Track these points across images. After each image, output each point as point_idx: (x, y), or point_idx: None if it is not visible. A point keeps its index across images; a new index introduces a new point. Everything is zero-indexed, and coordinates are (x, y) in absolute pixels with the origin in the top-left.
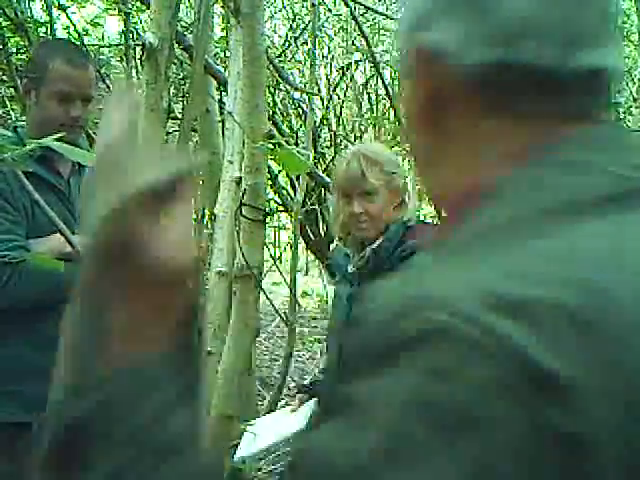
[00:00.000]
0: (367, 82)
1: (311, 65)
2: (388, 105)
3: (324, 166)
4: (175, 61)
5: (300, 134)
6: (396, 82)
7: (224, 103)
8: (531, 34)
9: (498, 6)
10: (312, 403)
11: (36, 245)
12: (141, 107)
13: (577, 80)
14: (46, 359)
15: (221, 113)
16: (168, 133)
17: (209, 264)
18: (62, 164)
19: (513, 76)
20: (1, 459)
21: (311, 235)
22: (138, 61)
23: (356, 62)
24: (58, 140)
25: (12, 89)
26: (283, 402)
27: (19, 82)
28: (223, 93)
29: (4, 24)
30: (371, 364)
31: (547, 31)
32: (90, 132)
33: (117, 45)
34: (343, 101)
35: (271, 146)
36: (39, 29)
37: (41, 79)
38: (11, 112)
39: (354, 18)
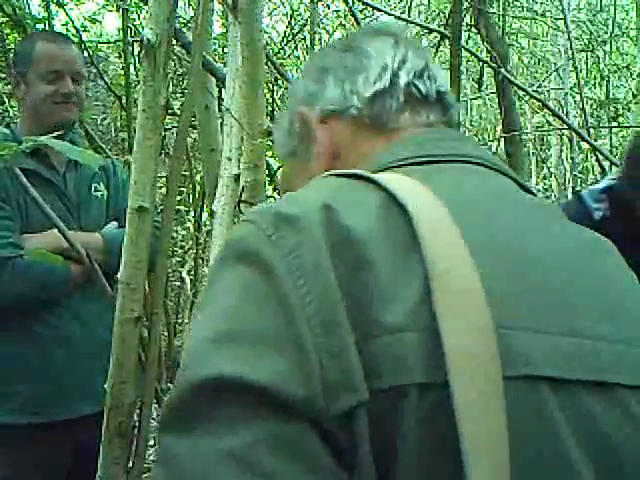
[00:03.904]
0: None
1: None
2: None
3: None
4: (174, 58)
5: None
6: None
7: (223, 100)
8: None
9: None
10: None
11: (32, 241)
12: (139, 104)
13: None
14: (40, 359)
15: (220, 110)
16: (167, 129)
17: (207, 261)
18: (58, 159)
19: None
20: None
21: None
22: (136, 58)
23: None
24: (56, 134)
25: (10, 86)
26: None
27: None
28: (222, 90)
29: (2, 20)
30: None
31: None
32: (89, 131)
33: (115, 42)
34: None
35: (270, 143)
36: (37, 25)
37: (27, 65)
38: (9, 109)
39: (353, 14)
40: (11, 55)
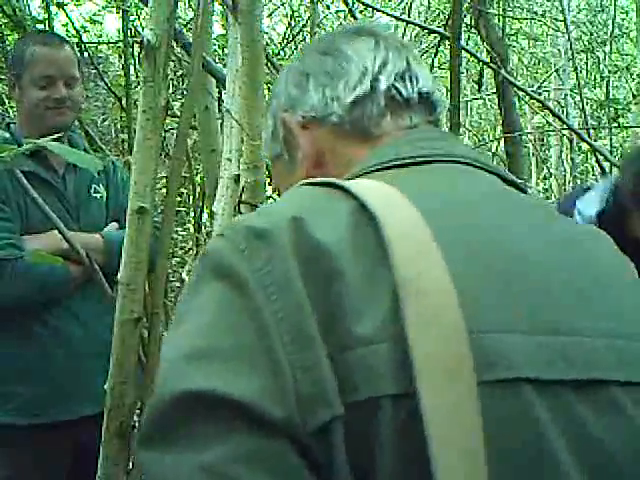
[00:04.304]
0: None
1: None
2: None
3: None
4: (174, 59)
5: None
6: None
7: (223, 101)
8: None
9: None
10: None
11: (32, 242)
12: (139, 105)
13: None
14: (40, 360)
15: (220, 111)
16: (167, 130)
17: None
18: (57, 160)
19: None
20: None
21: None
22: (136, 59)
23: None
24: (55, 136)
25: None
26: None
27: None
28: (222, 91)
29: (2, 21)
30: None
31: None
32: (89, 132)
33: (115, 43)
34: None
35: None
36: (37, 26)
37: (21, 68)
38: (9, 110)
39: (353, 15)
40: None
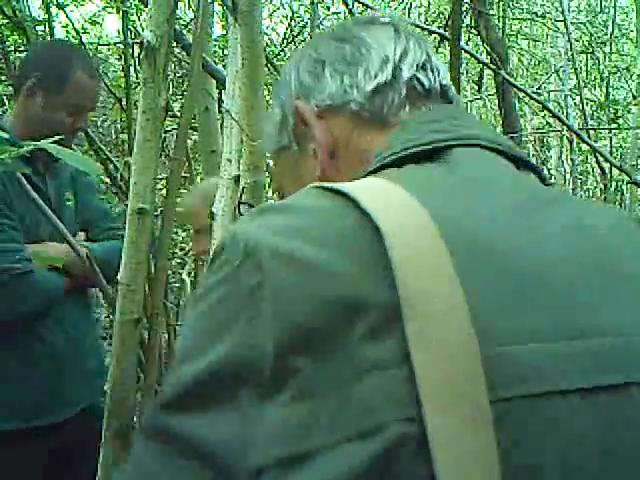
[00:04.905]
0: None
1: None
2: None
3: None
4: (174, 59)
5: None
6: None
7: (223, 101)
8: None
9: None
10: None
11: (35, 251)
12: (139, 105)
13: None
14: (28, 368)
15: (220, 111)
16: (167, 131)
17: (207, 262)
18: (39, 161)
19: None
20: None
21: None
22: (136, 59)
23: None
24: (53, 139)
25: (11, 87)
26: None
27: (21, 78)
28: (222, 91)
29: (2, 22)
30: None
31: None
32: (89, 133)
33: (115, 44)
34: None
35: None
36: (37, 27)
37: (57, 85)
38: (9, 110)
39: (352, 16)
40: (11, 58)
